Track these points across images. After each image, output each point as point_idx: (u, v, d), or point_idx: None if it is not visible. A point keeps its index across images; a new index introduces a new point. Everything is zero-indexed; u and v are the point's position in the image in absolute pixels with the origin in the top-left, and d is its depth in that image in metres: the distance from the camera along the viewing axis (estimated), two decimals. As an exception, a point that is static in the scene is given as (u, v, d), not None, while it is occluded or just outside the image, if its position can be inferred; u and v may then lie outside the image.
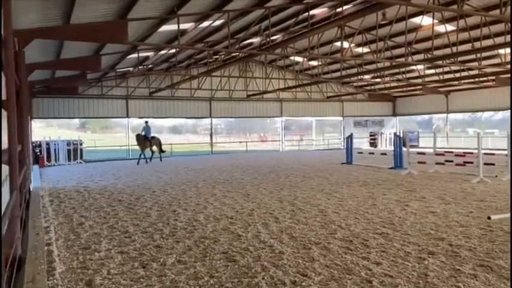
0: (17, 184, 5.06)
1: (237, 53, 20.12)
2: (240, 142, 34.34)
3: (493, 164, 12.98)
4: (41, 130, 27.14)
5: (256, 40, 19.63)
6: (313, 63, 26.27)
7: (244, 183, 12.90)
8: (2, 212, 4.19)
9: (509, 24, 15.67)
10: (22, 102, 8.74)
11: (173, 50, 19.12)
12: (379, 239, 6.12)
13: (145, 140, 21.53)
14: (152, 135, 22.31)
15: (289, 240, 6.15)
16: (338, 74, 25.89)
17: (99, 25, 11.29)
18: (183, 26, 14.12)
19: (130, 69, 23.13)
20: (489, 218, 7.13)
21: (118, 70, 22.90)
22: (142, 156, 21.51)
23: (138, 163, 20.99)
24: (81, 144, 23.98)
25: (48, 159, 22.21)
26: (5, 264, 3.49)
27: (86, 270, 4.95)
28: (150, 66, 23.71)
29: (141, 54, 18.46)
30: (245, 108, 31.37)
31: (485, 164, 12.60)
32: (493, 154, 13.75)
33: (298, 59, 25.69)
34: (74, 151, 23.27)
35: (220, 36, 17.89)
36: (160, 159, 22.77)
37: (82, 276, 4.74)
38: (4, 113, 5.22)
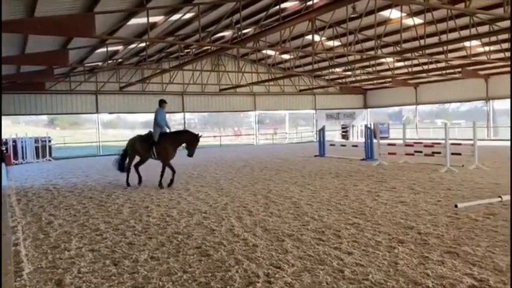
0: (-20, 183, 4.89)
1: (209, 47, 19.99)
2: (214, 137, 34.21)
3: (460, 154, 13.40)
4: (7, 128, 26.24)
5: (227, 33, 19.52)
6: (285, 56, 26.36)
7: (218, 178, 12.86)
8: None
9: (473, 18, 16.13)
10: (-15, 98, 8.44)
11: (143, 44, 18.83)
12: (351, 229, 6.22)
13: (149, 141, 11.37)
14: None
15: (262, 233, 6.18)
16: (310, 67, 26.08)
17: (65, 18, 10.96)
18: (152, 19, 13.89)
19: (100, 63, 22.62)
20: (456, 206, 7.34)
21: (86, 65, 22.38)
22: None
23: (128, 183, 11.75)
24: (49, 141, 23.33)
25: (15, 157, 21.55)
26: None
27: (55, 270, 4.83)
28: (119, 60, 23.27)
29: (110, 48, 18.10)
30: (218, 102, 31.24)
31: (452, 153, 12.98)
32: (459, 144, 14.14)
33: (271, 52, 25.71)
34: (42, 148, 22.65)
35: (191, 29, 17.71)
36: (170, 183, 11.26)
37: (51, 276, 4.63)
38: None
